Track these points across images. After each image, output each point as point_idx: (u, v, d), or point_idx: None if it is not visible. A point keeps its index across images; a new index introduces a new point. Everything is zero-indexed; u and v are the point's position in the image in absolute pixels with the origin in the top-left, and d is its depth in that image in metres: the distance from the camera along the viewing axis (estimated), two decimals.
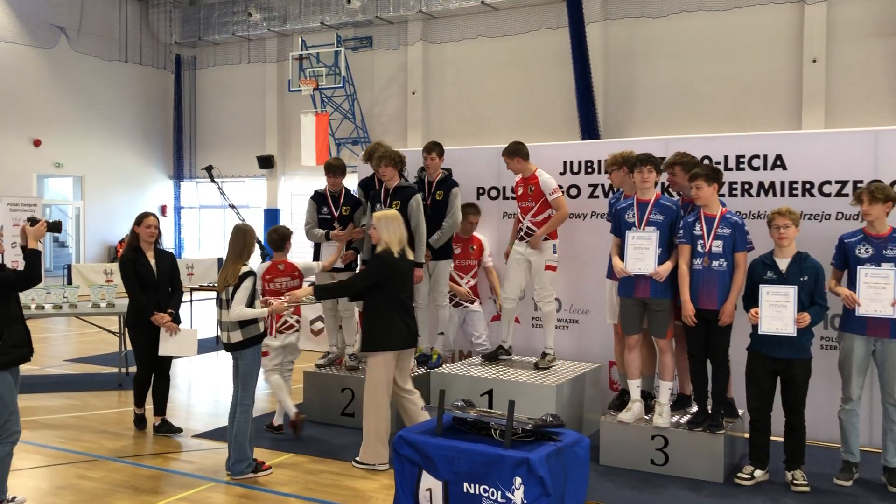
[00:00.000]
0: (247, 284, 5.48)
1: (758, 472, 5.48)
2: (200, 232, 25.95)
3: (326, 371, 7.19)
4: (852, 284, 5.33)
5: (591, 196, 7.20)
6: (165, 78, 25.27)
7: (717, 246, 5.46)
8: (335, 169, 7.21)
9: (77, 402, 7.90)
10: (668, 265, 5.62)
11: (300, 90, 21.78)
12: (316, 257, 7.29)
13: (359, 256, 7.29)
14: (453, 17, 20.93)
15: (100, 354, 10.59)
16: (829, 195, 6.27)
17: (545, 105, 19.47)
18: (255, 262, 6.49)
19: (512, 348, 7.01)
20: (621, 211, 5.88)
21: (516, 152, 6.67)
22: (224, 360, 9.95)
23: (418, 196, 6.85)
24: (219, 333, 5.79)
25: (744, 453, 5.80)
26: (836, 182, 6.25)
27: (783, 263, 5.37)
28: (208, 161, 18.89)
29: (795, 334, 5.20)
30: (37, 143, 21.16)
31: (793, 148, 6.45)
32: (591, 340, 7.17)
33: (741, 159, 6.58)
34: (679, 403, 6.05)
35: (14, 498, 4.92)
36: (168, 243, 24.95)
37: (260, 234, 7.65)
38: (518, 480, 3.78)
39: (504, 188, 7.62)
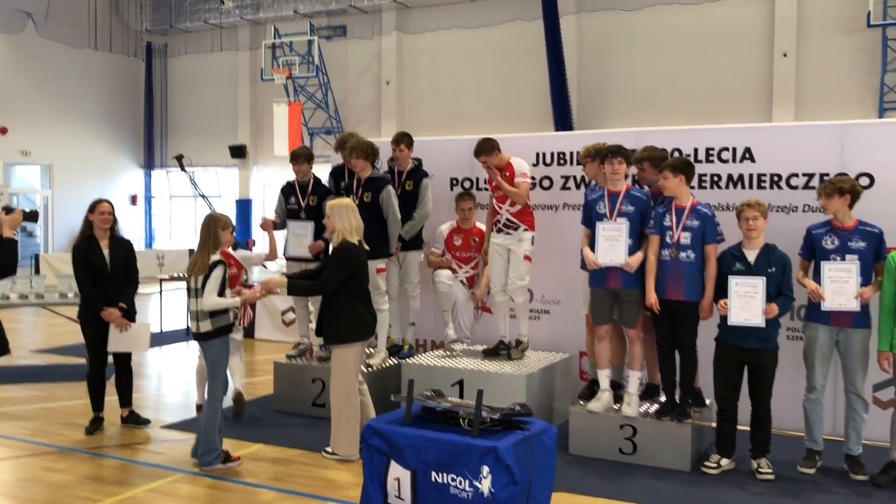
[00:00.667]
0: (217, 273, 5.43)
1: (724, 461, 5.55)
2: (171, 222, 25.71)
3: (297, 362, 7.16)
4: (818, 275, 5.40)
5: (564, 188, 7.22)
6: (136, 66, 24.94)
7: (686, 237, 5.50)
8: (298, 157, 7.17)
9: (43, 394, 7.79)
10: (638, 256, 5.66)
11: (273, 79, 21.63)
12: (285, 249, 7.25)
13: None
14: (428, 7, 20.87)
15: (67, 345, 10.46)
16: (796, 188, 6.35)
17: (519, 96, 19.51)
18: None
19: (512, 342, 6.79)
20: (592, 202, 5.90)
21: (493, 147, 6.43)
22: (194, 350, 9.86)
23: (390, 187, 6.83)
24: (188, 323, 5.73)
25: (711, 442, 5.87)
26: (804, 175, 6.33)
27: (752, 255, 5.43)
28: (179, 150, 18.59)
29: (764, 325, 5.27)
30: (3, 131, 20.80)
31: (761, 141, 6.52)
32: (563, 331, 7.20)
33: (710, 152, 6.64)
34: (648, 393, 6.10)
35: None
36: (138, 233, 24.68)
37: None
38: (486, 469, 3.79)
39: (477, 179, 7.60)
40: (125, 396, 6.63)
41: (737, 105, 17.40)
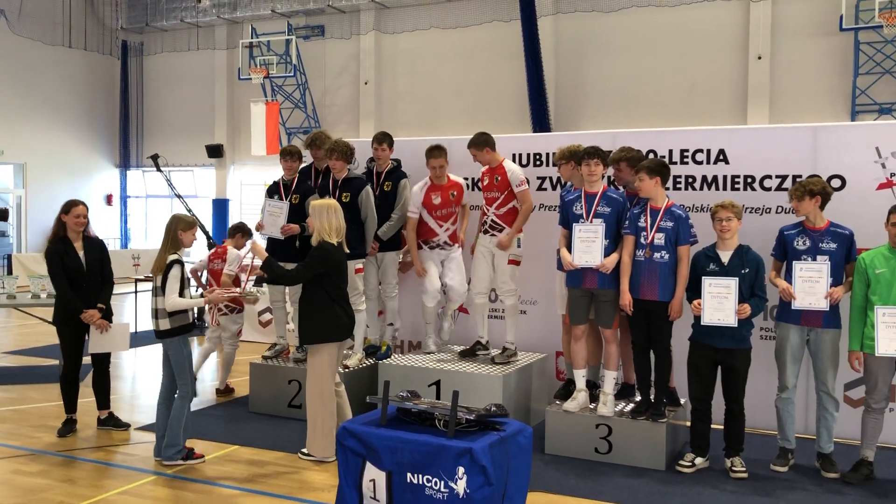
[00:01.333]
0: (174, 273, 5.51)
1: (698, 460, 5.60)
2: (147, 222, 25.47)
3: (273, 363, 7.13)
4: (790, 276, 5.46)
5: (540, 188, 7.25)
6: (111, 64, 24.68)
7: (660, 238, 5.55)
8: (292, 153, 7.21)
9: (15, 395, 7.69)
10: (613, 257, 5.69)
11: (250, 78, 21.51)
12: (270, 248, 7.22)
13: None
14: (406, 7, 20.85)
15: (40, 346, 10.33)
16: (769, 189, 6.42)
17: (497, 97, 19.54)
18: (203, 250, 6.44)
19: (489, 343, 6.86)
20: (569, 203, 5.93)
21: (485, 143, 6.53)
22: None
23: (368, 188, 6.82)
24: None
25: (685, 441, 5.93)
26: (777, 176, 6.40)
27: (725, 256, 5.48)
28: (155, 149, 18.49)
29: (736, 325, 5.32)
30: None
31: (735, 142, 6.58)
32: (539, 331, 7.23)
33: (685, 153, 6.70)
34: (623, 393, 6.14)
35: None
36: (114, 233, 24.44)
37: (208, 224, 7.62)
38: (461, 470, 3.80)
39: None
40: (103, 398, 6.55)
41: (712, 107, 17.56)
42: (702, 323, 5.41)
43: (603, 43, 18.71)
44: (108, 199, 24.61)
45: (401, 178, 7.07)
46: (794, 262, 5.44)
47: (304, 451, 5.78)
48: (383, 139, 7.07)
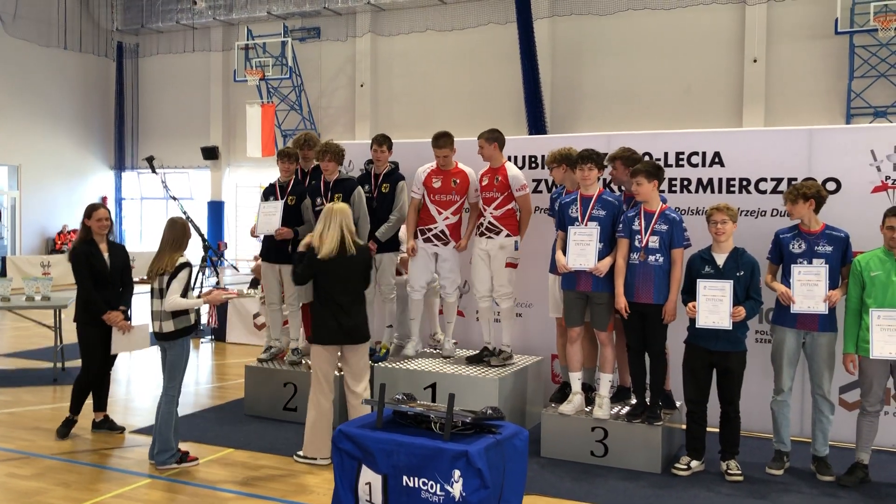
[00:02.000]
0: (183, 275, 5.52)
1: (694, 463, 5.60)
2: (142, 224, 25.44)
3: (268, 366, 7.12)
4: (787, 279, 5.47)
5: (535, 191, 7.23)
6: (107, 66, 24.65)
7: (654, 241, 5.55)
8: (289, 155, 7.21)
9: (9, 398, 7.66)
10: (607, 260, 5.69)
11: (246, 80, 21.50)
12: (264, 249, 7.21)
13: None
14: (402, 9, 20.87)
15: (34, 349, 10.30)
16: (764, 192, 6.42)
17: (493, 99, 19.56)
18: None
19: (496, 349, 6.74)
20: (565, 206, 5.93)
21: (496, 139, 6.50)
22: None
23: (360, 188, 6.82)
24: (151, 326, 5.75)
25: (681, 444, 5.92)
26: (772, 179, 6.41)
27: (720, 258, 5.49)
28: (151, 151, 18.49)
29: (731, 328, 5.33)
30: None
31: (730, 145, 6.59)
32: (534, 334, 7.22)
33: (681, 156, 6.70)
34: (619, 395, 6.14)
35: None
36: None
37: (203, 226, 7.60)
38: (457, 473, 3.79)
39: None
40: (101, 400, 6.55)
41: (707, 109, 17.61)
42: (696, 326, 5.41)
43: (599, 45, 18.75)
44: (103, 202, 24.56)
45: (398, 180, 7.06)
46: (791, 265, 5.44)
47: (300, 453, 5.77)
48: (383, 141, 7.06)
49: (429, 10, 20.54)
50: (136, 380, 8.94)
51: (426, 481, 3.87)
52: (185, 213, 10.57)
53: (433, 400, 6.25)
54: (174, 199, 14.66)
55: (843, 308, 5.44)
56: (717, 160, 6.59)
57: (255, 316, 10.79)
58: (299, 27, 22.18)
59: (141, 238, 25.07)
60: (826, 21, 16.66)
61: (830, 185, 6.12)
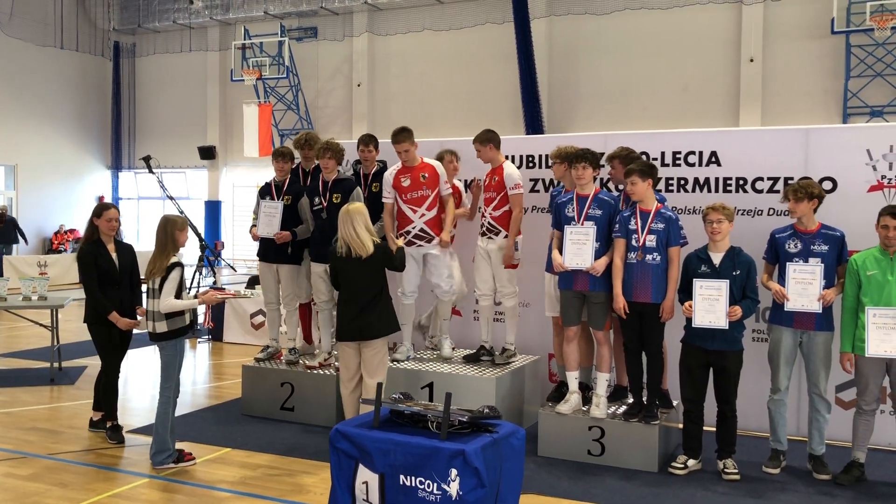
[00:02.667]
0: (174, 276, 5.49)
1: (691, 462, 5.61)
2: (139, 223, 25.41)
3: (265, 365, 7.11)
4: (783, 278, 5.48)
5: (532, 190, 7.25)
6: (103, 65, 24.62)
7: (651, 240, 5.55)
8: (284, 154, 7.21)
9: (6, 398, 7.65)
10: (604, 260, 5.70)
11: (243, 80, 21.48)
12: (263, 249, 7.21)
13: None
14: (399, 9, 20.87)
15: (31, 349, 10.28)
16: (761, 191, 6.44)
17: (490, 99, 19.57)
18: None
19: (494, 348, 6.75)
20: (561, 205, 5.94)
21: (490, 140, 6.49)
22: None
23: (358, 189, 6.82)
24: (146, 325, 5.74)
25: (678, 443, 5.93)
26: (769, 178, 6.42)
27: (717, 258, 5.50)
28: (147, 151, 18.45)
29: (727, 327, 5.33)
30: None
31: (727, 145, 6.60)
32: (531, 333, 7.22)
33: (677, 155, 6.71)
34: (616, 395, 6.15)
35: None
36: None
37: (200, 225, 7.57)
38: (454, 472, 3.79)
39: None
40: (103, 403, 6.51)
41: (704, 109, 17.63)
42: (693, 325, 5.42)
43: (596, 45, 18.77)
44: (100, 201, 24.54)
45: None
46: (787, 263, 5.45)
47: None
48: (369, 141, 7.08)
49: (426, 10, 20.54)
50: (134, 380, 8.93)
51: (423, 480, 3.87)
52: (181, 212, 10.57)
53: (430, 399, 6.26)
54: (171, 198, 14.66)
55: (840, 307, 5.45)
56: (713, 159, 6.60)
57: (253, 315, 10.79)
58: (296, 27, 22.18)
59: (138, 238, 25.04)
60: (822, 21, 16.69)
61: (826, 185, 6.14)
